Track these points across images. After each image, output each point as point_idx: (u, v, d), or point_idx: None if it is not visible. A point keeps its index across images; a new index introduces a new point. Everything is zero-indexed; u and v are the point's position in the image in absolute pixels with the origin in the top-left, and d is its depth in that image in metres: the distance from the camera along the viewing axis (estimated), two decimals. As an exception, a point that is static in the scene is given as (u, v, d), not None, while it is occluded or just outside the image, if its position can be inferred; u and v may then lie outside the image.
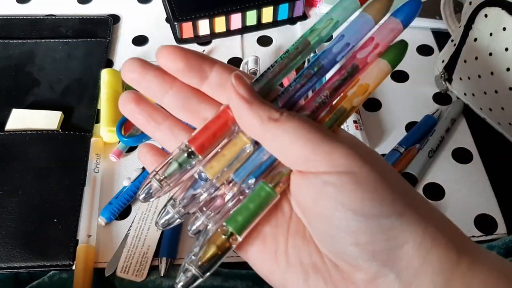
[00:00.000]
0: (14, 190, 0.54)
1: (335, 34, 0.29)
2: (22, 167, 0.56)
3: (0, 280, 0.50)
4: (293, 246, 0.28)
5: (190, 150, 0.28)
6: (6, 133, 0.58)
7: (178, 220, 0.29)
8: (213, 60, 0.30)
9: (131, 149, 0.59)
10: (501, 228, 0.53)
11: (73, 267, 0.49)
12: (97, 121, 0.61)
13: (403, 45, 0.29)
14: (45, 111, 0.60)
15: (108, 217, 0.53)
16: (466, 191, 0.56)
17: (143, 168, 0.56)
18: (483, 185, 0.56)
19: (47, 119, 0.60)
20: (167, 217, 0.29)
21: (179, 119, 0.31)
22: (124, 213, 0.54)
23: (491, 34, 0.53)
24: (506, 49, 0.51)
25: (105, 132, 0.58)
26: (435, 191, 0.55)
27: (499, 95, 0.54)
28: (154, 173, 0.28)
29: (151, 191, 0.28)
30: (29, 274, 0.50)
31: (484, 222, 0.53)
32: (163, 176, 0.28)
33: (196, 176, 0.29)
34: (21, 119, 0.59)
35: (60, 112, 0.60)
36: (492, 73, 0.53)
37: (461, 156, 0.59)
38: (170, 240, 0.51)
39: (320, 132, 0.26)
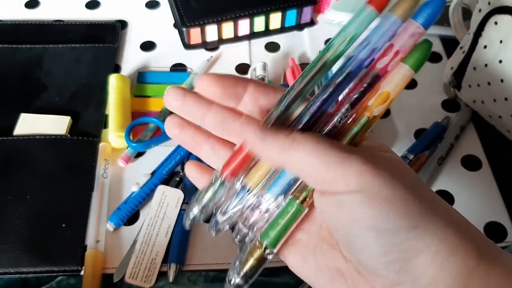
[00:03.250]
0: (22, 195, 0.54)
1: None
2: (31, 172, 0.56)
3: (8, 284, 0.50)
4: (321, 251, 0.31)
5: (222, 179, 0.31)
6: (15, 137, 0.58)
7: (227, 227, 0.33)
8: (246, 81, 0.33)
9: (139, 155, 0.59)
10: (511, 236, 0.52)
11: (81, 273, 0.49)
12: (105, 126, 0.61)
13: (426, 46, 0.28)
14: (53, 116, 0.60)
15: (117, 223, 0.52)
16: (475, 198, 0.55)
17: (152, 174, 0.55)
18: (492, 192, 0.56)
19: (55, 124, 0.60)
20: (216, 224, 0.33)
21: (219, 137, 0.34)
22: (132, 218, 0.54)
23: (501, 42, 0.52)
24: None
25: (113, 137, 0.58)
26: (444, 199, 0.55)
27: (509, 102, 0.54)
28: (196, 204, 0.32)
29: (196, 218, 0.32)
30: (37, 279, 0.50)
31: (493, 230, 0.53)
32: (202, 206, 0.32)
33: (237, 189, 0.32)
34: (30, 124, 0.59)
35: (69, 117, 0.60)
36: (502, 80, 0.53)
37: (470, 163, 0.58)
38: (179, 246, 0.51)
39: (333, 152, 0.27)
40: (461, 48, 0.61)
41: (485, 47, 0.55)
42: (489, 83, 0.55)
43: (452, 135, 0.59)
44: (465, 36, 0.61)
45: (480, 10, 0.56)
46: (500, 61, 0.53)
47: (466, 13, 0.65)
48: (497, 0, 0.53)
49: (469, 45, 0.57)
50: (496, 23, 0.53)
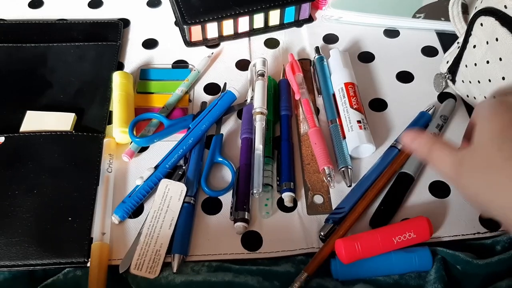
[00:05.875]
0: (29, 190, 0.55)
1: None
2: (37, 167, 0.57)
3: (16, 277, 0.51)
4: None
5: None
6: (21, 134, 0.59)
7: None
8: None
9: (143, 149, 0.60)
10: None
11: (88, 264, 0.51)
12: (109, 122, 0.62)
13: None
14: (58, 113, 0.62)
15: (122, 216, 0.54)
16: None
17: (155, 167, 0.57)
18: (488, 183, 0.57)
19: (60, 121, 0.61)
20: None
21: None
22: (137, 211, 0.55)
23: (487, 43, 0.53)
24: (500, 59, 0.52)
25: (117, 133, 0.59)
26: (441, 189, 0.56)
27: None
28: None
29: None
30: (44, 271, 0.51)
31: (488, 219, 0.54)
32: None
33: None
34: (35, 121, 0.61)
35: (73, 114, 0.61)
36: (490, 80, 0.54)
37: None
38: (182, 238, 0.52)
39: None
40: (457, 43, 0.62)
41: (474, 46, 0.55)
42: (479, 81, 0.56)
43: (433, 124, 0.60)
44: (463, 31, 0.62)
45: (476, 8, 0.56)
46: (488, 62, 0.53)
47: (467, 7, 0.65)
48: (484, 1, 0.53)
49: (462, 42, 0.58)
50: (482, 24, 0.53)
